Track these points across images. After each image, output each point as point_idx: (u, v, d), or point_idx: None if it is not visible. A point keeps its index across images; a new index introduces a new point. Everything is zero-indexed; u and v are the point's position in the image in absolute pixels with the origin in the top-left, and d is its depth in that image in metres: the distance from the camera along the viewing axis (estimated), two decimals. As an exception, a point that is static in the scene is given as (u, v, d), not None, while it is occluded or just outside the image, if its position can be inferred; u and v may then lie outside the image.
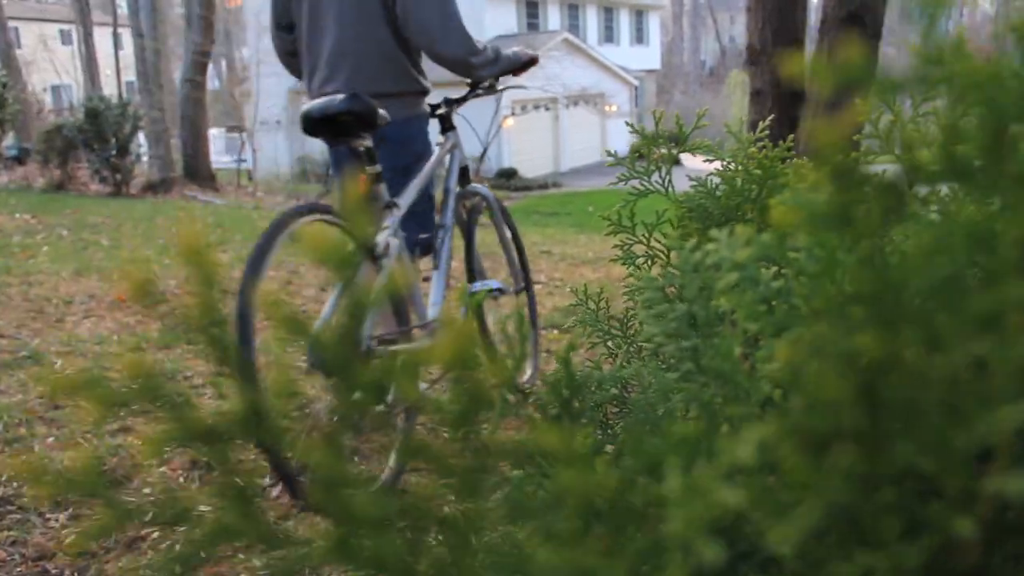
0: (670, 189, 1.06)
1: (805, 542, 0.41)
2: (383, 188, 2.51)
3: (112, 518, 0.40)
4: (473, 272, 3.04)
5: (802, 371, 0.34)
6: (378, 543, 0.38)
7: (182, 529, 0.42)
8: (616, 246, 1.10)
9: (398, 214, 2.50)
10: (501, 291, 2.89)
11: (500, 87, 3.04)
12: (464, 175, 3.00)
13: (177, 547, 0.42)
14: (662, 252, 1.08)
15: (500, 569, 0.40)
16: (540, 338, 3.41)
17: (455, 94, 2.98)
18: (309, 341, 0.39)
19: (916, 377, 0.32)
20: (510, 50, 3.02)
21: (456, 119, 2.98)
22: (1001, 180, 0.31)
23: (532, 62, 3.05)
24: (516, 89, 3.18)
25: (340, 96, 2.34)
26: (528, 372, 3.16)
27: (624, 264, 1.09)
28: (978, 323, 0.31)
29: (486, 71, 2.93)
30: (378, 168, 2.48)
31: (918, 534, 0.35)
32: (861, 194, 0.32)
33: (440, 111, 2.95)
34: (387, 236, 2.39)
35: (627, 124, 1.22)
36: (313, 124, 2.37)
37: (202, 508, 0.42)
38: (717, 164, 1.06)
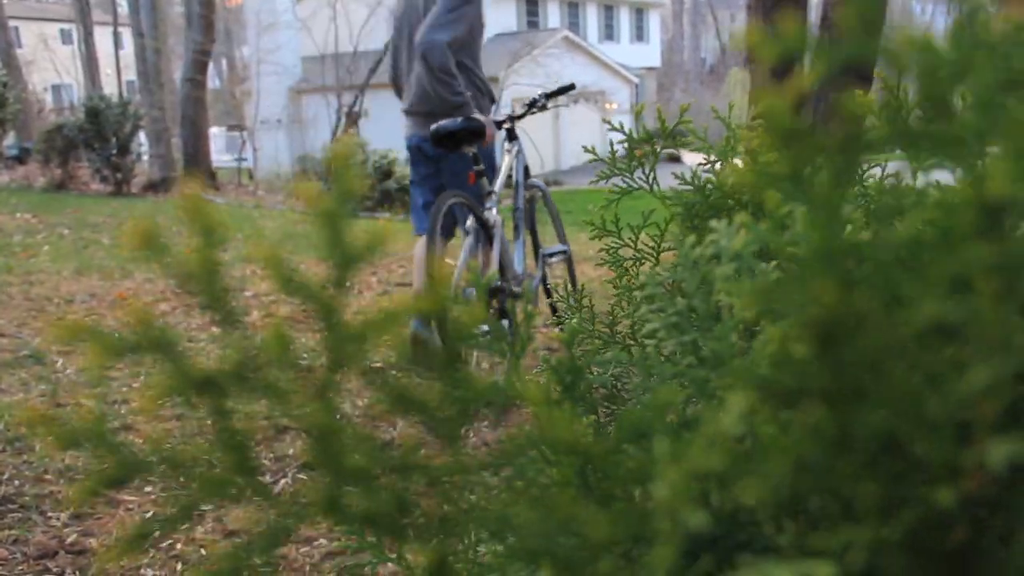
0: (655, 187, 1.04)
1: (798, 525, 0.41)
2: (485, 180, 3.57)
3: (121, 464, 0.40)
4: (537, 242, 4.06)
5: (765, 327, 0.35)
6: (367, 498, 0.39)
7: (180, 489, 0.42)
8: (603, 250, 1.09)
9: (495, 198, 3.56)
10: (564, 252, 4.10)
11: (551, 105, 3.92)
12: (527, 171, 3.96)
13: (173, 505, 0.43)
14: (651, 254, 1.06)
15: (485, 522, 0.41)
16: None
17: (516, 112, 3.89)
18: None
19: (879, 337, 0.33)
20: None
21: (518, 130, 3.88)
22: (950, 142, 0.32)
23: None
24: (560, 97, 3.94)
25: (460, 118, 3.42)
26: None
27: (611, 267, 1.08)
28: (938, 285, 0.31)
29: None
30: (482, 166, 3.54)
31: (900, 508, 0.35)
32: (810, 156, 0.32)
33: (506, 125, 3.80)
34: (493, 214, 3.49)
35: (605, 121, 1.21)
36: (440, 137, 3.40)
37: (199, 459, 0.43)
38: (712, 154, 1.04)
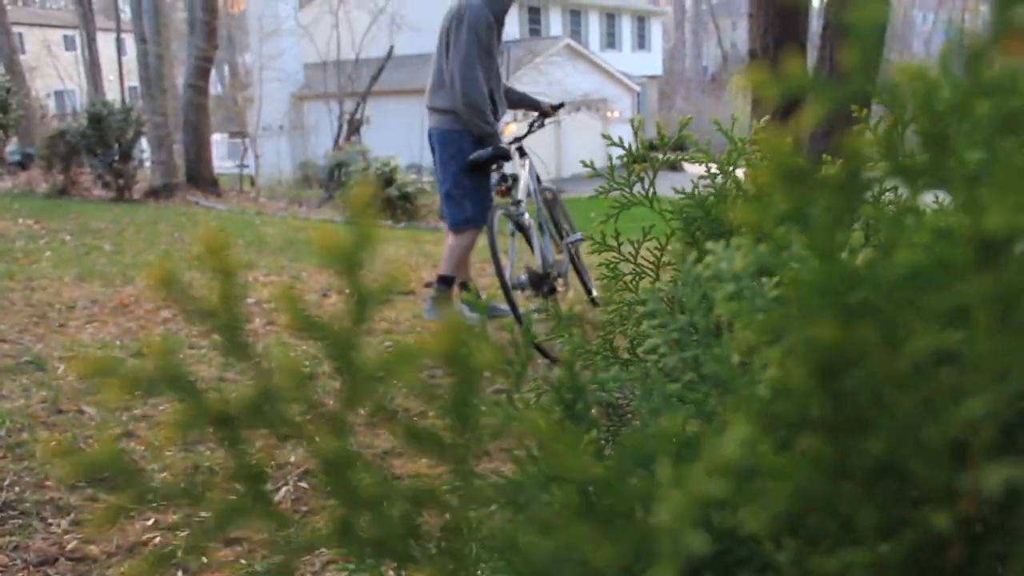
0: (654, 201, 1.04)
1: (797, 544, 0.42)
2: (514, 191, 4.48)
3: (133, 496, 0.41)
4: (561, 233, 4.83)
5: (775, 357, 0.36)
6: (378, 525, 0.39)
7: (191, 515, 0.43)
8: (601, 264, 1.09)
9: (523, 206, 4.43)
10: (580, 239, 4.79)
11: (548, 122, 4.89)
12: (538, 179, 4.81)
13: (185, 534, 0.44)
14: (651, 269, 1.06)
15: (493, 551, 0.41)
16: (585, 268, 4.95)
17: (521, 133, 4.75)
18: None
19: (878, 367, 0.33)
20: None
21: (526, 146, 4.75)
22: (949, 178, 0.32)
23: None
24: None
25: (490, 147, 4.35)
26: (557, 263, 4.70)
27: (611, 281, 1.08)
28: (936, 317, 0.32)
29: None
30: (510, 182, 4.49)
31: (899, 531, 0.36)
32: (812, 194, 0.33)
33: (515, 146, 4.60)
34: (525, 218, 4.41)
35: (604, 136, 1.22)
36: (475, 164, 4.34)
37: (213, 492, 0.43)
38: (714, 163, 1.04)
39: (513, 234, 4.37)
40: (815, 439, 0.34)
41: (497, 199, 4.50)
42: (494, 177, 4.52)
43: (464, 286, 4.49)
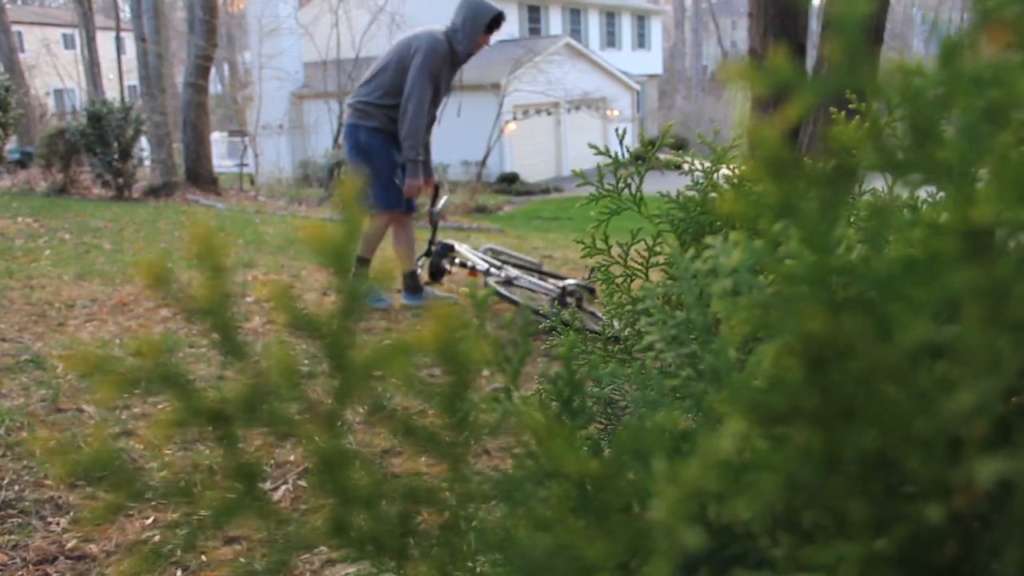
0: (642, 205, 1.06)
1: (792, 539, 0.42)
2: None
3: (128, 494, 0.41)
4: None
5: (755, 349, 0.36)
6: (373, 521, 0.40)
7: (186, 512, 0.43)
8: (593, 268, 1.11)
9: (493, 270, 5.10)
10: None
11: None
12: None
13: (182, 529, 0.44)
14: (640, 271, 1.08)
15: (487, 548, 0.42)
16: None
17: None
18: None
19: (868, 359, 0.33)
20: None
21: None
22: (932, 169, 0.32)
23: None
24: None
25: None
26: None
27: (603, 284, 1.09)
28: (925, 308, 0.32)
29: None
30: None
31: (892, 523, 0.36)
32: (799, 185, 0.33)
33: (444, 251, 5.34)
34: (501, 274, 5.08)
35: (591, 146, 1.24)
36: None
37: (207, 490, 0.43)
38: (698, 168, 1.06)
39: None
40: (806, 431, 0.34)
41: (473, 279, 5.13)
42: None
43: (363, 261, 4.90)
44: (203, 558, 2.11)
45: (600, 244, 1.10)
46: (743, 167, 0.92)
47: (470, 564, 0.48)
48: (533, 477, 0.43)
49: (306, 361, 3.40)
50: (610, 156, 1.08)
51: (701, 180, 1.03)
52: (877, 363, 0.33)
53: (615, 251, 1.11)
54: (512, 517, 0.43)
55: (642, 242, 1.07)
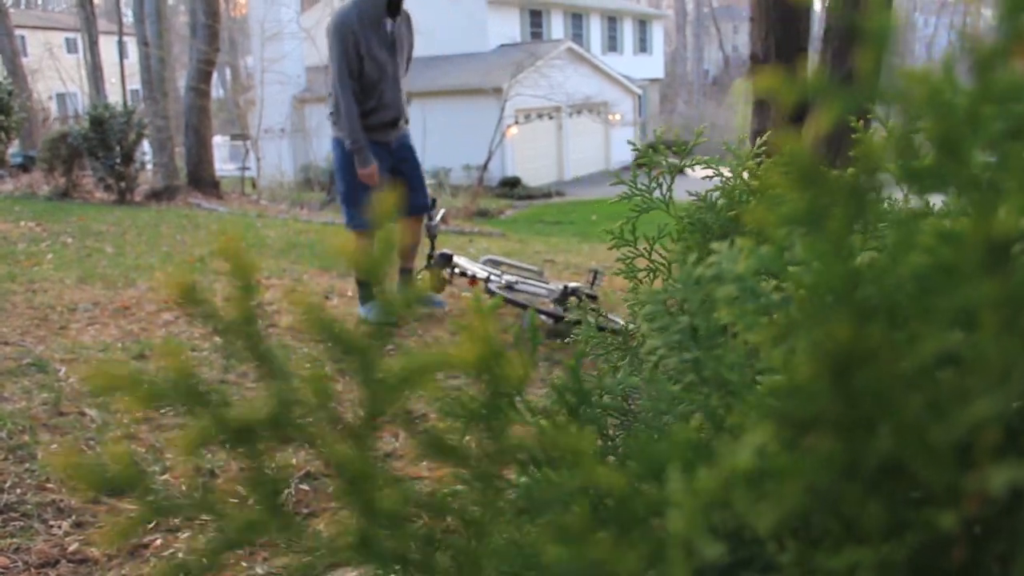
0: (671, 205, 1.08)
1: (800, 545, 0.42)
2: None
3: (150, 511, 0.41)
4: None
5: (781, 357, 0.36)
6: (399, 538, 0.39)
7: (207, 527, 0.43)
8: (619, 260, 1.12)
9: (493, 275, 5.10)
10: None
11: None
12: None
13: (201, 542, 0.43)
14: (663, 265, 1.10)
15: (512, 563, 0.41)
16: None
17: None
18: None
19: (888, 368, 0.33)
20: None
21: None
22: (958, 183, 0.32)
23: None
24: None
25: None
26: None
27: (626, 277, 1.11)
28: (945, 318, 0.32)
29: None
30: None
31: (904, 530, 0.36)
32: (827, 197, 0.33)
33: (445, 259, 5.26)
34: (502, 279, 5.10)
35: (629, 143, 1.26)
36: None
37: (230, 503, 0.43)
38: (721, 175, 1.07)
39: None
40: (826, 439, 0.34)
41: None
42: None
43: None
44: (205, 563, 2.11)
45: (628, 236, 1.12)
46: (765, 175, 0.93)
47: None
48: (556, 490, 0.43)
49: (308, 365, 3.40)
50: (645, 154, 1.11)
51: (727, 182, 1.05)
52: (897, 372, 0.33)
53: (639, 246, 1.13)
54: (533, 530, 0.43)
55: (667, 238, 1.09)
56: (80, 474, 0.39)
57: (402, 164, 4.76)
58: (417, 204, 4.82)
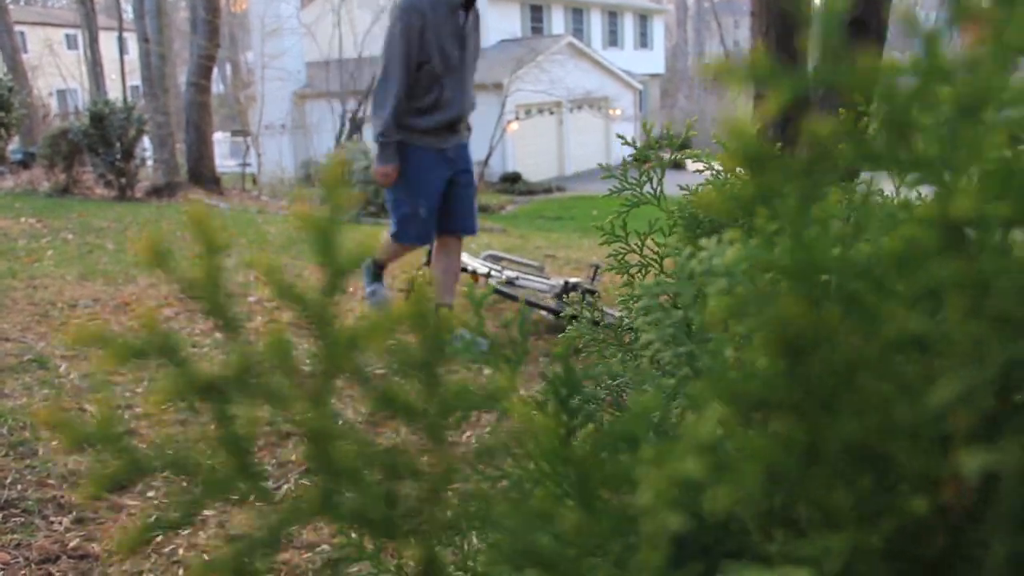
0: (662, 200, 1.08)
1: (784, 534, 0.42)
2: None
3: (126, 465, 0.41)
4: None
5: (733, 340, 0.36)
6: (358, 496, 0.40)
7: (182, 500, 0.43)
8: (610, 255, 1.12)
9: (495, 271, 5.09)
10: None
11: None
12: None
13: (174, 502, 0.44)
14: (655, 260, 1.10)
15: (469, 518, 0.42)
16: None
17: None
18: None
19: (846, 350, 0.34)
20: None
21: None
22: (912, 162, 0.33)
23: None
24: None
25: None
26: None
27: (617, 273, 1.11)
28: (905, 299, 0.32)
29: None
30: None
31: (879, 516, 0.36)
32: (777, 180, 0.34)
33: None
34: (503, 275, 5.16)
35: (619, 136, 1.26)
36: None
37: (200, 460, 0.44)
38: (712, 168, 1.08)
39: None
40: (785, 421, 0.35)
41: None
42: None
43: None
44: (205, 557, 2.12)
45: (618, 232, 1.12)
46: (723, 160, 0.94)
47: (456, 538, 0.49)
48: (506, 447, 0.44)
49: (307, 361, 3.42)
50: (634, 147, 1.11)
51: (716, 176, 1.05)
52: (858, 354, 0.33)
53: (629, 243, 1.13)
54: (495, 491, 0.44)
55: (660, 232, 1.10)
56: (61, 425, 0.40)
57: (460, 176, 4.26)
58: (466, 227, 4.35)
